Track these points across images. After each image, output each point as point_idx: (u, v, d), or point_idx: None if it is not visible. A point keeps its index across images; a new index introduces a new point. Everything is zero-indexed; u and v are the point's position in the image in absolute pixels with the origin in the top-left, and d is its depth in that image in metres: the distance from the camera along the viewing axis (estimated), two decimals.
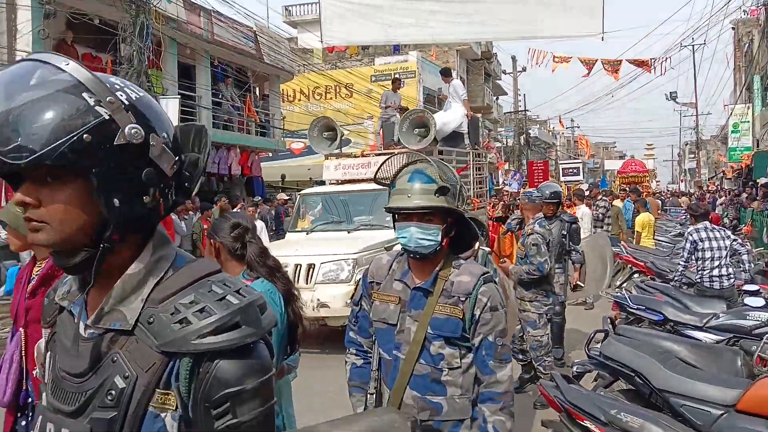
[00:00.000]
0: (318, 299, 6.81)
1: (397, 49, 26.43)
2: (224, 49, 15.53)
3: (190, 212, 10.94)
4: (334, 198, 8.73)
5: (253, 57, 16.65)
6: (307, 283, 6.96)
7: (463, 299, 2.05)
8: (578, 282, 6.76)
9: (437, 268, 2.11)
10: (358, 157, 9.27)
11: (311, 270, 7.08)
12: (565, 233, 6.51)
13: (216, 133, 15.49)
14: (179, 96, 11.17)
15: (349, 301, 6.44)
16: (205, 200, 12.16)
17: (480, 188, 11.10)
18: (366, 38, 11.44)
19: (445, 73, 10.91)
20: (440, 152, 9.47)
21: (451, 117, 10.30)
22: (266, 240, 9.41)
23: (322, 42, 11.22)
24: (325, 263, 7.07)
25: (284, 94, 23.84)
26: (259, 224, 9.55)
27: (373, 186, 8.04)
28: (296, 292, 2.48)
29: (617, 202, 12.53)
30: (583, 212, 10.53)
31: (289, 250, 7.26)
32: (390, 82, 12.21)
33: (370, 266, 2.30)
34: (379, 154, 8.94)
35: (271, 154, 20.70)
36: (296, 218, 8.93)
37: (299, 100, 26.76)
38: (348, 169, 8.95)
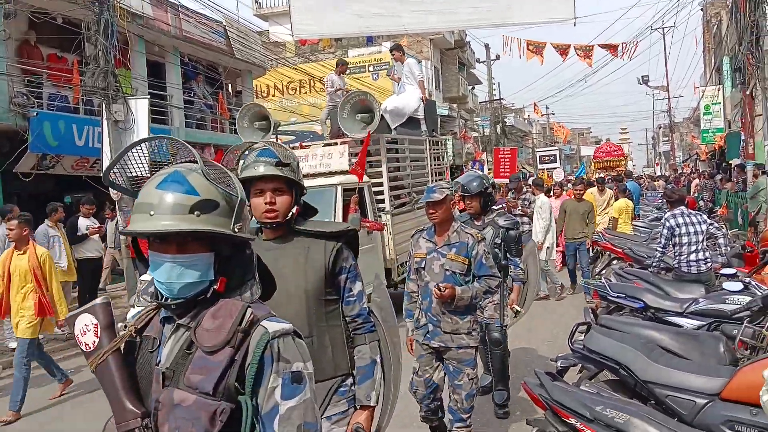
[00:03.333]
0: None
1: (370, 41, 26.25)
2: (194, 46, 15.25)
3: None
4: None
5: (223, 52, 16.36)
6: None
7: None
8: (515, 306, 5.09)
9: None
10: (297, 149, 8.18)
11: None
12: (499, 242, 4.98)
13: (189, 132, 15.24)
14: (149, 96, 10.91)
15: None
16: None
17: (439, 180, 10.05)
18: (337, 30, 11.22)
19: (396, 49, 9.82)
20: (393, 141, 8.72)
21: (406, 101, 9.40)
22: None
23: (292, 35, 11.01)
24: None
25: (257, 90, 23.55)
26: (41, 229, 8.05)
27: (311, 183, 7.44)
28: None
29: (591, 192, 11.03)
30: (541, 202, 9.61)
31: None
32: (335, 65, 11.24)
33: None
34: (326, 145, 8.11)
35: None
36: None
37: (273, 95, 26.46)
38: None
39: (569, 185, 13.45)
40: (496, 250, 4.93)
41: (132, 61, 12.89)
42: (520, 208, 9.50)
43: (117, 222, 10.11)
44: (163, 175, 1.45)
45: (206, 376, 1.37)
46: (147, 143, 1.60)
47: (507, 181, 12.75)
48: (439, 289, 3.65)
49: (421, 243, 3.99)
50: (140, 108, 10.08)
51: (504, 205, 7.85)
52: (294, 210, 2.32)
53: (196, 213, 1.40)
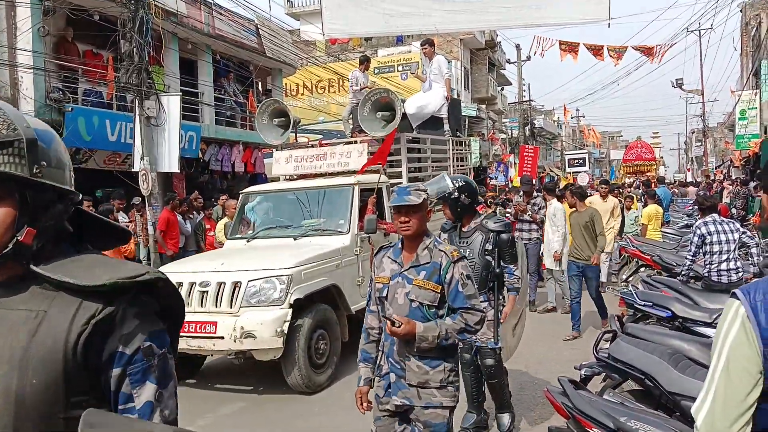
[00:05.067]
0: (242, 327, 5.43)
1: (400, 40, 26.29)
2: (226, 44, 15.44)
3: (194, 212, 10.86)
4: (283, 197, 7.44)
5: (255, 51, 16.54)
6: (230, 307, 5.60)
7: None
8: (509, 321, 4.52)
9: None
10: (314, 147, 8.11)
11: (236, 290, 5.64)
12: (491, 248, 4.42)
13: (219, 129, 15.43)
14: (180, 93, 11.08)
15: (280, 329, 5.46)
16: (210, 199, 12.14)
17: None
18: (368, 29, 11.22)
19: (428, 43, 9.49)
20: (415, 140, 8.58)
21: (430, 99, 9.15)
22: None
23: (323, 34, 11.05)
24: (252, 281, 5.61)
25: (287, 89, 23.73)
26: None
27: (327, 182, 7.35)
28: None
29: (590, 201, 9.09)
30: (554, 209, 8.58)
31: (214, 264, 6.10)
32: (358, 62, 10.71)
33: None
34: (347, 143, 7.98)
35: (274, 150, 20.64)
36: (237, 222, 7.52)
37: (302, 94, 26.64)
38: (300, 162, 7.74)
39: (591, 191, 12.18)
40: (488, 257, 4.38)
41: (165, 58, 13.10)
42: (530, 213, 9.00)
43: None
44: None
45: None
46: None
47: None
48: (392, 322, 2.71)
49: (385, 264, 3.00)
50: (172, 104, 10.26)
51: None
52: (22, 235, 1.16)
53: None
